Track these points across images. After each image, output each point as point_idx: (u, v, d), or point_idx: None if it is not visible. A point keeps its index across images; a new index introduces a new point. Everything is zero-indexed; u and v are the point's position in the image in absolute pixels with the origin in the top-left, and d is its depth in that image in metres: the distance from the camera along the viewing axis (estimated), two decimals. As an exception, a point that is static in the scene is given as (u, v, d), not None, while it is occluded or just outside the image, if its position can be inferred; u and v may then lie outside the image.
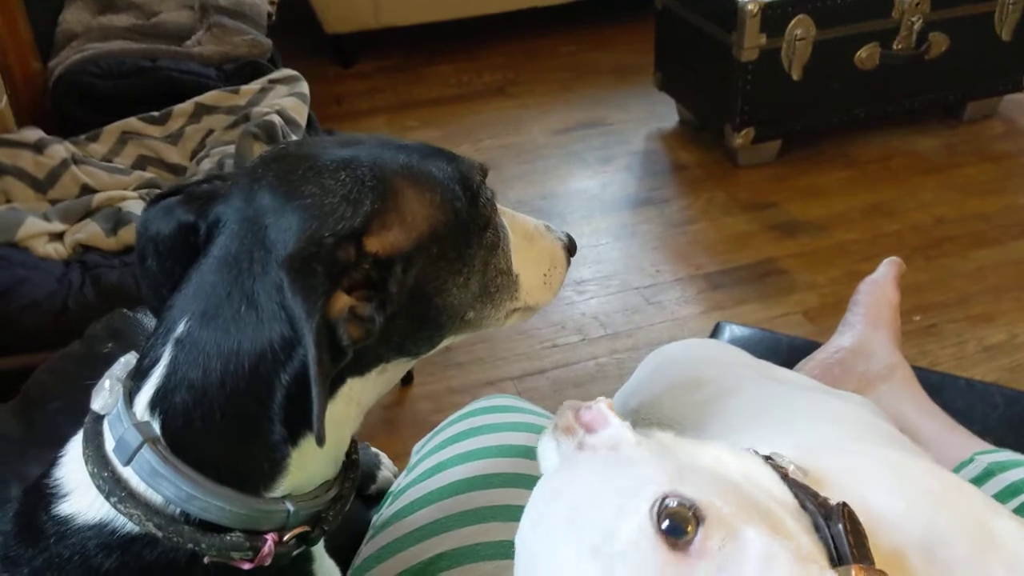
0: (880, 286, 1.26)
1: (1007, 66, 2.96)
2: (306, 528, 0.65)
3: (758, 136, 2.79)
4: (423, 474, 0.94)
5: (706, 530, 0.46)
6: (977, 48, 2.88)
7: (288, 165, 0.65)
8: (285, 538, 0.63)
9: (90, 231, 1.87)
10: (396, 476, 1.04)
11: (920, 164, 2.88)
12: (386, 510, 0.93)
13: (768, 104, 2.76)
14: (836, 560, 0.50)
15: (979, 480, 0.96)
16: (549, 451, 0.62)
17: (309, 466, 0.64)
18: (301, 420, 0.62)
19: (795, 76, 2.72)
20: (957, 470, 1.00)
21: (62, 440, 0.69)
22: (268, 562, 0.62)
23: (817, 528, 0.53)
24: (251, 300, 0.60)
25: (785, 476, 0.57)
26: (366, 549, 0.89)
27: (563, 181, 2.92)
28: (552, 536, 0.52)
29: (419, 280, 0.64)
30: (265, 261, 0.60)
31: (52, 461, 0.67)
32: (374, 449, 1.14)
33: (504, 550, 0.81)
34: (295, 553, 0.65)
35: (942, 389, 1.23)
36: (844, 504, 0.53)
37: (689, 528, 0.46)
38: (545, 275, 0.78)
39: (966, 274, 2.39)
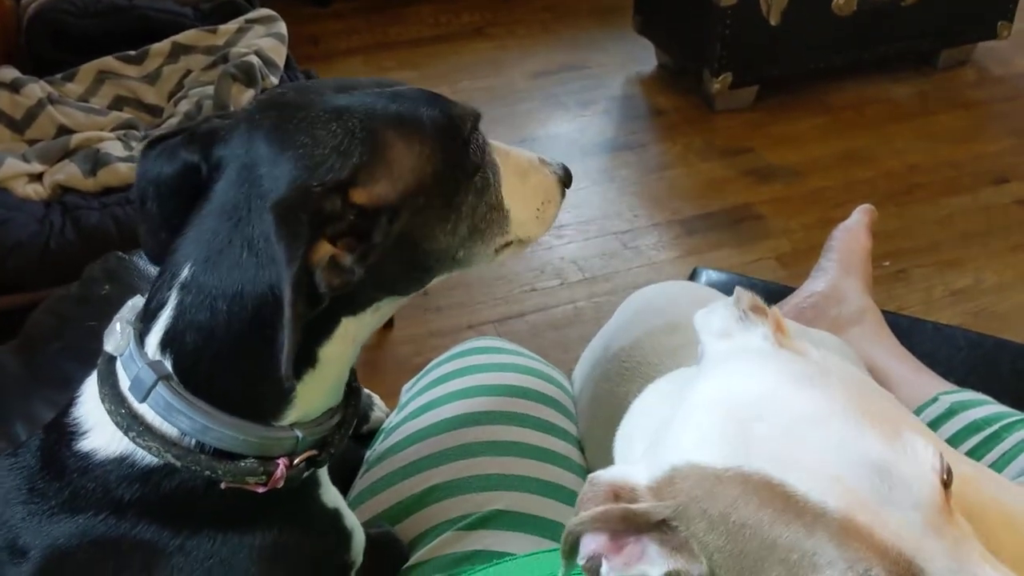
0: (853, 233, 1.29)
1: (981, 14, 2.98)
2: (314, 452, 0.69)
3: (735, 81, 2.81)
4: (414, 412, 0.98)
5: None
6: (953, -5, 2.90)
7: (285, 113, 0.66)
8: (295, 462, 0.67)
9: (69, 172, 1.86)
10: (387, 415, 1.07)
11: (894, 111, 2.91)
12: (379, 446, 0.97)
13: (746, 49, 2.77)
14: None
15: (943, 418, 1.02)
16: (737, 327, 0.58)
17: (314, 397, 0.68)
18: (308, 357, 0.65)
19: (773, 22, 2.73)
20: (922, 408, 1.05)
21: (65, 380, 0.72)
22: (281, 484, 0.66)
23: None
24: (251, 246, 0.62)
25: None
26: (360, 483, 0.93)
27: (542, 125, 2.93)
28: (799, 428, 0.48)
29: (406, 228, 0.66)
30: (261, 209, 0.62)
31: (69, 401, 0.69)
32: (366, 390, 1.17)
33: (494, 482, 0.85)
34: (304, 476, 0.69)
35: (910, 332, 1.27)
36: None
37: (949, 491, 0.48)
38: (538, 209, 0.78)
39: (936, 221, 2.44)
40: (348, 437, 0.73)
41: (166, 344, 0.64)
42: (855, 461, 0.47)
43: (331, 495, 0.75)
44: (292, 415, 0.67)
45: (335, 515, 0.74)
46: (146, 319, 0.66)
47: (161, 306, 0.65)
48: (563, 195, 0.81)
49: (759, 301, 0.60)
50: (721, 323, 0.60)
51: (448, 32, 3.47)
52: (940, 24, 2.96)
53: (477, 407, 0.94)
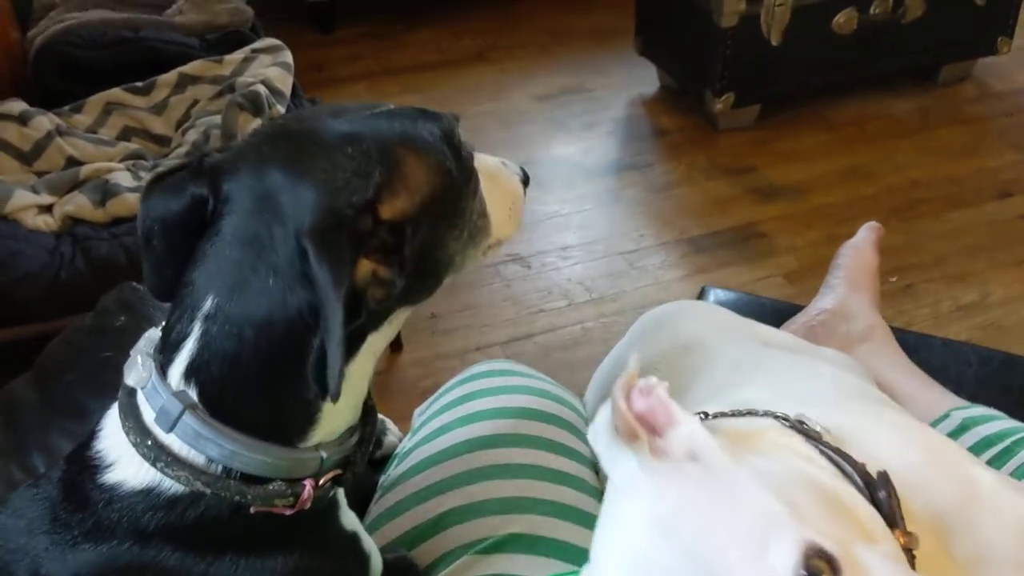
0: (860, 250, 1.30)
1: (981, 30, 3.00)
2: (338, 471, 0.71)
3: (738, 101, 2.82)
4: (427, 437, 0.98)
5: None
6: (952, 12, 2.91)
7: (295, 142, 0.67)
8: (321, 482, 0.68)
9: (78, 203, 1.88)
10: (400, 440, 1.08)
11: (895, 127, 2.92)
12: (393, 471, 0.97)
13: (748, 69, 2.79)
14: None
15: (955, 434, 1.02)
16: (616, 453, 0.57)
17: (336, 416, 0.69)
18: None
19: (774, 41, 2.75)
20: (934, 425, 1.05)
21: (80, 410, 0.73)
22: (308, 505, 0.67)
23: (859, 490, 0.57)
24: (277, 273, 0.63)
25: (820, 441, 0.61)
26: (375, 508, 0.93)
27: (546, 147, 2.94)
28: None
29: (424, 239, 0.69)
30: (285, 236, 0.63)
31: (91, 434, 0.70)
32: (380, 415, 1.18)
33: (507, 505, 0.86)
34: (329, 496, 0.71)
35: (918, 348, 1.28)
36: (885, 473, 0.57)
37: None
38: (510, 209, 0.81)
39: (941, 235, 2.44)
40: (368, 456, 0.75)
41: (191, 374, 0.65)
42: None
43: (349, 518, 0.75)
44: (317, 436, 0.68)
45: (354, 538, 0.75)
46: (167, 351, 0.67)
47: (184, 337, 0.66)
48: (524, 194, 0.85)
49: (631, 419, 0.57)
50: (606, 450, 0.59)
51: (450, 57, 3.50)
52: (940, 40, 2.97)
53: (489, 430, 0.94)
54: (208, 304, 0.65)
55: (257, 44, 2.35)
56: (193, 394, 0.65)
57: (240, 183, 0.66)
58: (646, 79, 3.20)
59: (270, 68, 2.24)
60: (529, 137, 2.97)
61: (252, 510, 0.65)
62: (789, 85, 2.91)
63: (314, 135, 0.68)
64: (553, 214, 2.60)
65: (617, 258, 2.43)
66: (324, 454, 0.69)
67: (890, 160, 2.76)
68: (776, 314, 1.31)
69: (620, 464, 0.57)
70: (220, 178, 0.67)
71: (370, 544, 0.77)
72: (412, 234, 0.67)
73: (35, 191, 1.91)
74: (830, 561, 0.48)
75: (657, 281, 2.34)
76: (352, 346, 0.67)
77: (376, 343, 0.71)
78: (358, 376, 0.70)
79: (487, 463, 0.90)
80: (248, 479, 0.65)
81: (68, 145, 2.05)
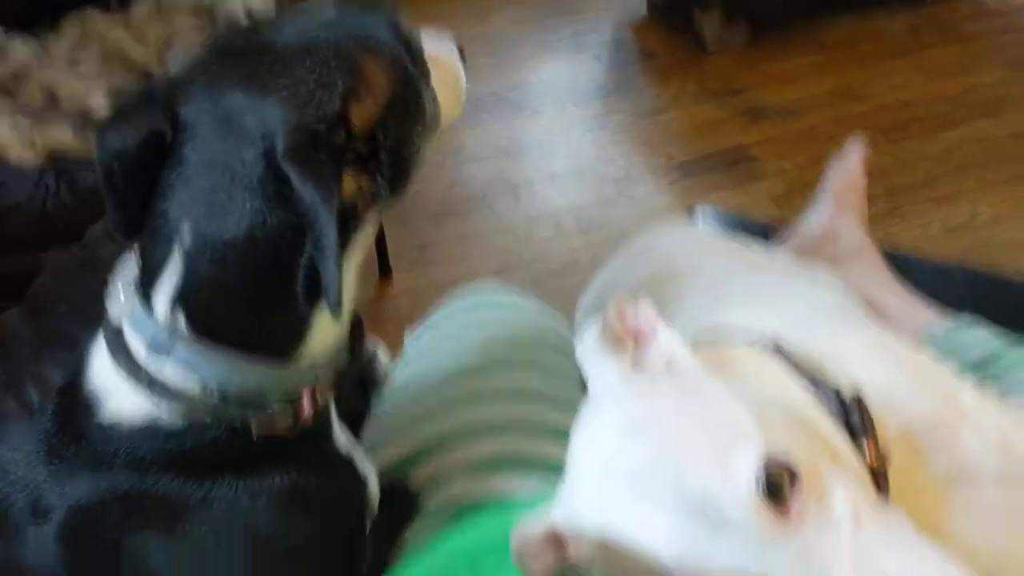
0: (847, 169, 1.30)
1: (975, -56, 2.95)
2: (331, 388, 0.72)
3: (727, 20, 2.78)
4: (419, 361, 0.99)
5: (803, 491, 0.49)
6: (946, -74, 2.86)
7: (250, 59, 0.65)
8: (318, 396, 0.69)
9: (61, 135, 1.85)
10: (392, 366, 1.09)
11: (887, 47, 2.88)
12: (385, 395, 0.98)
13: (737, -13, 2.74)
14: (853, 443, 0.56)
15: (941, 354, 1.03)
16: (599, 364, 0.60)
17: (325, 330, 0.69)
18: (318, 291, 0.66)
19: (764, -41, 2.70)
20: (920, 344, 1.06)
21: (72, 342, 0.73)
22: (309, 422, 0.68)
23: (833, 414, 0.58)
24: (253, 196, 0.62)
25: (796, 364, 0.61)
26: (368, 433, 0.95)
27: (533, 71, 2.90)
28: (635, 482, 0.52)
29: (394, 139, 0.69)
30: (255, 157, 0.62)
31: (80, 366, 0.70)
32: (370, 341, 1.19)
33: (499, 428, 0.87)
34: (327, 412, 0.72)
35: (906, 268, 1.28)
36: (858, 395, 0.58)
37: (786, 488, 0.49)
38: (454, 91, 0.80)
39: (931, 156, 2.43)
40: (358, 370, 0.76)
41: (176, 301, 0.65)
42: (681, 506, 0.50)
43: (344, 439, 0.76)
44: (308, 350, 0.68)
45: (349, 460, 0.76)
46: (147, 282, 0.66)
47: (162, 266, 0.65)
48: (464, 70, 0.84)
49: (619, 328, 0.60)
50: (590, 361, 0.62)
51: (435, -21, 3.42)
52: (933, -44, 2.92)
53: (482, 354, 0.95)
54: (185, 232, 0.64)
55: (236, -31, 2.29)
56: (181, 320, 0.65)
57: (197, 107, 0.64)
58: (633, 1, 3.14)
59: (250, -6, 2.19)
60: (515, 62, 2.93)
61: (254, 432, 0.66)
62: (779, 4, 2.87)
63: (268, 50, 0.65)
64: (541, 141, 2.58)
65: (605, 185, 2.42)
66: (318, 369, 0.69)
67: (882, 80, 2.73)
68: (765, 234, 1.31)
69: (601, 375, 0.60)
70: (175, 104, 0.65)
71: (366, 466, 0.77)
72: (384, 138, 0.67)
73: (15, 124, 1.88)
74: (791, 473, 0.49)
75: (645, 207, 2.34)
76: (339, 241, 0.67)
77: (355, 251, 0.71)
78: (348, 283, 0.70)
79: (479, 387, 0.91)
80: (246, 402, 0.66)
81: (48, 77, 2.01)
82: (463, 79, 0.82)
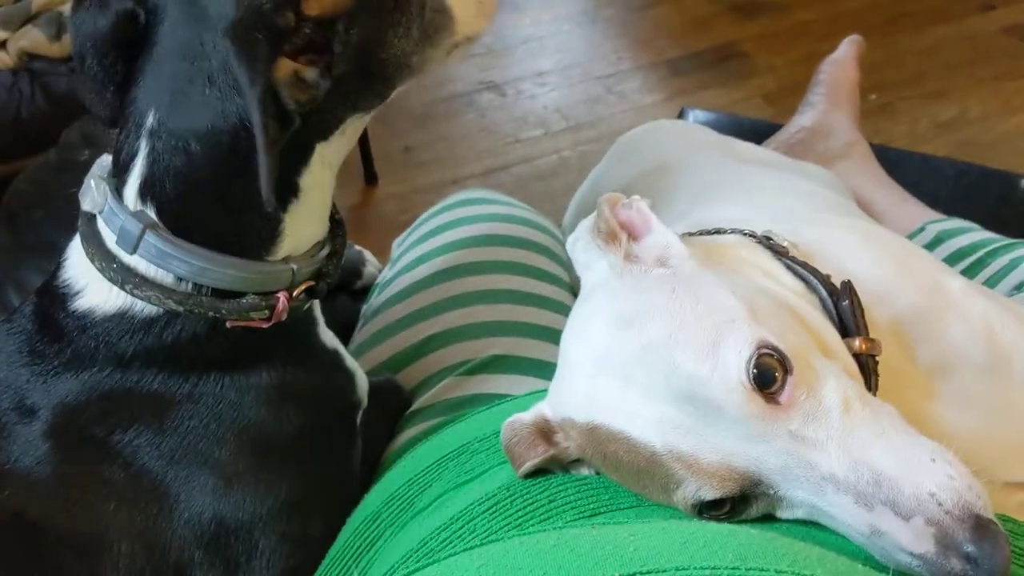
0: (840, 66, 1.27)
1: None
2: (311, 283, 0.70)
3: (718, -88, 2.69)
4: (407, 266, 0.98)
5: (793, 380, 0.49)
6: None
7: None
8: (294, 293, 0.68)
9: (33, 38, 1.80)
10: (380, 271, 1.08)
11: (882, -62, 2.81)
12: (374, 300, 0.98)
13: None
14: (842, 333, 0.56)
15: (929, 246, 1.03)
16: (592, 258, 0.60)
17: (301, 229, 0.68)
18: (289, 187, 0.65)
19: None
20: (910, 238, 1.06)
21: (50, 246, 0.72)
22: (284, 317, 0.67)
23: (823, 304, 0.58)
24: (212, 80, 0.60)
25: (787, 255, 0.61)
26: (359, 336, 0.95)
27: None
28: (625, 371, 0.52)
29: (363, 37, 0.64)
30: (215, 41, 0.60)
31: (56, 265, 0.69)
32: (358, 247, 1.17)
33: (488, 329, 0.87)
34: (305, 307, 0.71)
35: (897, 164, 1.27)
36: (849, 283, 0.58)
37: (777, 376, 0.49)
38: (479, 3, 0.73)
39: (921, 51, 2.40)
40: (340, 267, 0.74)
41: (145, 193, 0.64)
42: (672, 395, 0.50)
43: (328, 336, 0.76)
44: (284, 248, 0.67)
45: (335, 354, 0.76)
46: (119, 172, 0.65)
47: (132, 157, 0.64)
48: None
49: (614, 223, 0.60)
50: (583, 255, 0.61)
51: None
52: None
53: (470, 257, 0.95)
54: (150, 120, 0.63)
55: None
56: (152, 213, 0.64)
57: None
58: None
59: None
60: (501, -43, 2.84)
61: (228, 324, 0.65)
62: None
63: None
64: (528, 38, 2.52)
65: (594, 83, 2.38)
66: (295, 266, 0.68)
67: (874, -27, 2.66)
68: (755, 133, 1.29)
69: (593, 268, 0.59)
70: None
71: (352, 361, 0.78)
72: (345, 31, 0.62)
73: (-14, 26, 1.83)
74: (782, 360, 0.49)
75: (635, 106, 2.30)
76: (301, 157, 0.65)
77: (329, 154, 0.68)
78: (315, 188, 0.68)
79: (468, 289, 0.91)
80: (221, 295, 0.65)
81: (15, -25, 1.94)
82: None
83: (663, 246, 0.58)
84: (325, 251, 0.72)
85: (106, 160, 0.68)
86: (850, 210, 0.88)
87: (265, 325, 0.67)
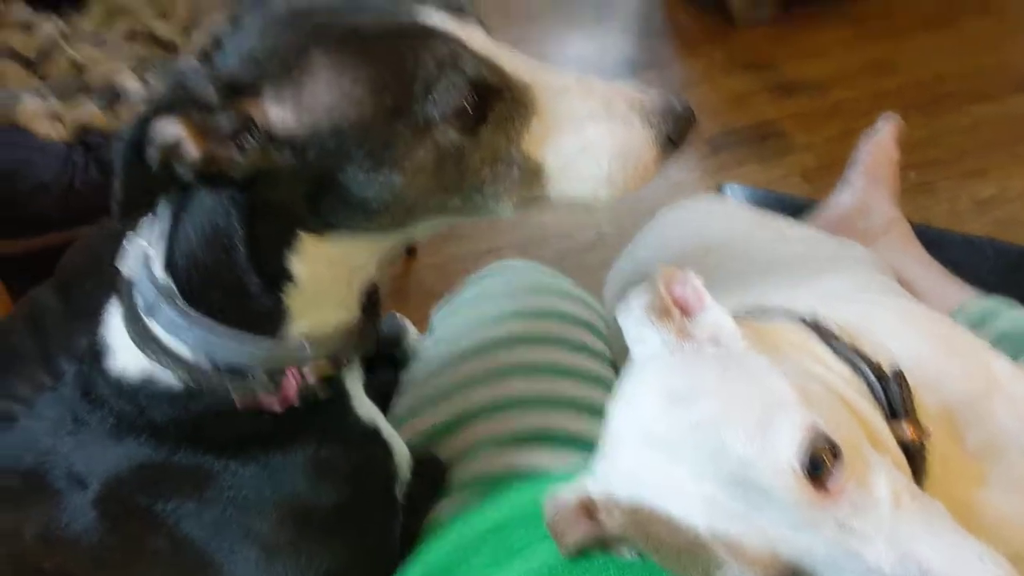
0: (880, 144, 1.28)
1: (1011, -87, 2.88)
2: (327, 365, 0.69)
3: (756, -7, 2.75)
4: (446, 336, 0.99)
5: (843, 469, 0.48)
6: None
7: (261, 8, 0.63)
8: (306, 373, 0.67)
9: (88, 110, 1.86)
10: (419, 340, 1.09)
11: (920, 20, 2.83)
12: (413, 369, 0.99)
13: (767, -40, 2.70)
14: (891, 419, 0.55)
15: (973, 327, 1.01)
16: (644, 332, 0.59)
17: (313, 312, 0.67)
18: (278, 271, 0.64)
19: (795, -71, 2.65)
20: (952, 318, 1.04)
21: (102, 315, 0.73)
22: (295, 399, 0.67)
23: (872, 389, 0.57)
24: None
25: (834, 338, 0.61)
26: (397, 406, 0.95)
27: (558, 45, 2.88)
28: (673, 448, 0.51)
29: (324, 167, 0.59)
30: None
31: (98, 324, 0.71)
32: (399, 316, 1.19)
33: (528, 402, 0.87)
34: (322, 389, 0.69)
35: (937, 243, 1.26)
36: (898, 369, 0.58)
37: (827, 462, 0.48)
38: (604, 167, 0.63)
39: (961, 130, 2.39)
40: (367, 349, 0.73)
41: (167, 263, 0.65)
42: (719, 476, 0.49)
43: (366, 409, 0.76)
44: (297, 329, 0.67)
45: (373, 428, 0.76)
46: (153, 240, 0.67)
47: (160, 225, 0.66)
48: (661, 150, 0.64)
49: (668, 299, 0.59)
50: (634, 329, 0.60)
51: (460, -47, 3.39)
52: (967, -74, 2.86)
53: (509, 329, 0.95)
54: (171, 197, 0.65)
55: (261, -58, 2.28)
56: (172, 282, 0.65)
57: None
58: (661, -28, 3.11)
59: (275, -33, 2.18)
60: (542, 35, 2.91)
61: (237, 403, 0.65)
62: (809, -24, 2.82)
63: (286, 10, 0.61)
64: (567, 115, 2.56)
65: (632, 159, 2.40)
66: (308, 346, 0.67)
67: (914, 53, 2.68)
68: (794, 210, 1.29)
69: (645, 342, 0.59)
70: None
71: (392, 434, 0.77)
72: (294, 154, 0.58)
73: (42, 96, 1.90)
74: (832, 447, 0.48)
75: (673, 182, 2.32)
76: (282, 239, 0.63)
77: (328, 251, 0.64)
78: (319, 278, 0.65)
79: (507, 362, 0.91)
80: (233, 372, 0.65)
81: (75, 51, 2.02)
82: (634, 160, 0.63)
83: (716, 325, 0.58)
84: (351, 333, 0.71)
85: (153, 224, 0.70)
86: (893, 289, 0.88)
87: (276, 406, 0.66)
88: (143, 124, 0.56)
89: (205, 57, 0.62)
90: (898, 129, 1.29)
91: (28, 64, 2.02)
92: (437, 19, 0.61)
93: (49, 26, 2.04)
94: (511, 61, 0.63)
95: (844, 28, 2.81)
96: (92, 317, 0.86)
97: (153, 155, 0.56)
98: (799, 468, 0.48)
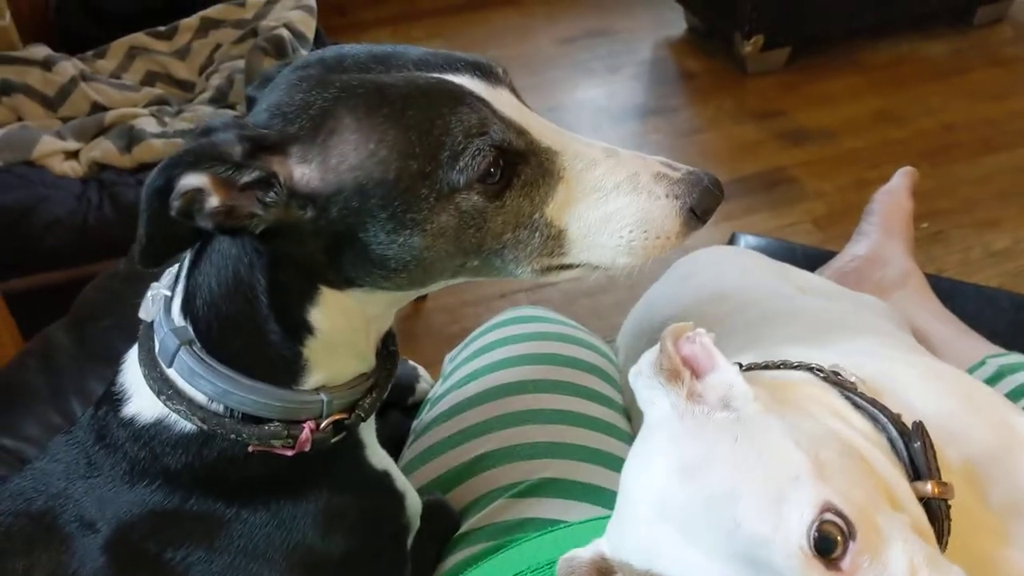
0: (894, 195, 1.28)
1: (1020, -33, 2.92)
2: (342, 415, 0.68)
3: (767, 43, 2.77)
4: (458, 382, 0.98)
5: (857, 545, 0.47)
6: (990, -51, 2.84)
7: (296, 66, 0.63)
8: (322, 425, 0.67)
9: (104, 149, 1.88)
10: (432, 386, 1.08)
11: (929, 70, 2.86)
12: (425, 416, 0.98)
13: (777, 10, 2.72)
14: (913, 475, 0.54)
15: (991, 381, 1.01)
16: (655, 394, 0.58)
17: (331, 363, 0.67)
18: (299, 322, 0.64)
19: (805, -19, 2.68)
20: (970, 372, 1.04)
21: (116, 356, 0.73)
22: (308, 448, 0.66)
23: (893, 445, 0.56)
24: None
25: (855, 392, 0.60)
26: (408, 453, 0.94)
27: (571, 92, 2.90)
28: (687, 524, 0.50)
29: (346, 224, 0.59)
30: None
31: (116, 369, 0.71)
32: (412, 363, 1.18)
33: (541, 450, 0.86)
34: (335, 439, 0.69)
35: (952, 295, 1.26)
36: (920, 424, 0.57)
37: (838, 541, 0.47)
38: (625, 235, 0.63)
39: (973, 180, 2.40)
40: (382, 400, 0.73)
41: (185, 309, 0.65)
42: (732, 554, 0.49)
43: (379, 457, 0.75)
44: (314, 379, 0.67)
45: (385, 477, 0.75)
46: (174, 285, 0.67)
47: (179, 272, 0.66)
48: (687, 226, 0.64)
49: (677, 360, 0.58)
50: (645, 391, 0.60)
51: (475, 0, 3.44)
52: (976, -21, 2.90)
53: (521, 376, 0.94)
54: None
55: (279, -14, 2.31)
56: (191, 329, 0.65)
57: None
58: (673, 21, 3.14)
59: (293, 11, 2.21)
60: (555, 82, 2.93)
61: (251, 449, 0.65)
62: (820, 27, 2.85)
63: (311, 66, 0.62)
64: (578, 160, 2.57)
65: (643, 204, 2.40)
66: (326, 397, 0.67)
67: (923, 103, 2.70)
68: (807, 260, 1.29)
69: (656, 404, 0.58)
70: None
71: (404, 483, 0.77)
72: (316, 212, 0.58)
73: (61, 136, 1.91)
74: (846, 525, 0.47)
75: (684, 227, 2.32)
76: (304, 292, 0.63)
77: (347, 303, 0.64)
78: (338, 330, 0.65)
79: (519, 409, 0.90)
80: (248, 419, 0.65)
81: (92, 90, 2.04)
82: (657, 232, 0.63)
83: (727, 385, 0.57)
84: (367, 384, 0.71)
85: (173, 270, 0.70)
86: (909, 344, 0.87)
87: (289, 453, 0.66)
88: (169, 172, 0.56)
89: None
90: (912, 180, 1.29)
91: (47, 102, 2.05)
92: (467, 81, 0.61)
93: (69, 66, 2.06)
94: (540, 128, 0.64)
95: (853, 77, 2.84)
96: (106, 357, 0.86)
97: (175, 203, 0.57)
98: (809, 548, 0.47)
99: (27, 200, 1.75)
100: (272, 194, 0.58)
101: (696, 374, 0.58)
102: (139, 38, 2.19)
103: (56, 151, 1.88)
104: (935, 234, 2.21)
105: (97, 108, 2.03)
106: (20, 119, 2.01)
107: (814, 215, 2.31)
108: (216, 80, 2.08)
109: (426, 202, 0.59)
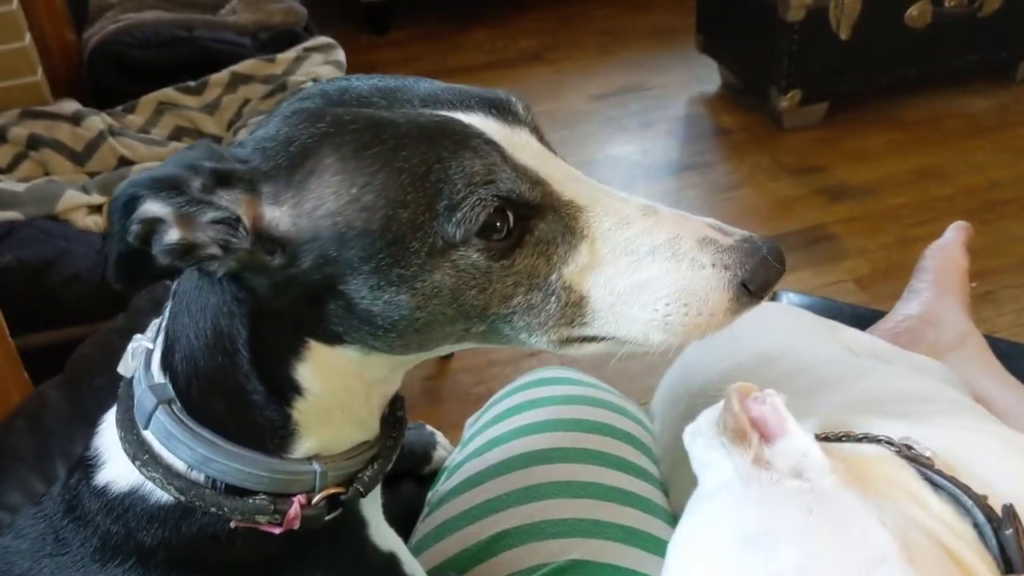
0: (947, 251, 1.21)
1: (1064, 22, 2.85)
2: (339, 489, 0.61)
3: (804, 98, 2.72)
4: (479, 449, 0.91)
5: None
6: (1032, 4, 2.78)
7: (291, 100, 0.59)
8: (314, 500, 0.59)
9: (129, 203, 1.86)
10: (450, 453, 1.01)
11: (971, 126, 2.79)
12: (441, 486, 0.91)
13: (815, 65, 2.68)
14: (1004, 567, 0.47)
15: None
16: (715, 456, 0.52)
17: (325, 428, 0.60)
18: (284, 380, 0.58)
19: (843, 36, 2.63)
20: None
21: (107, 417, 0.67)
22: (296, 526, 0.58)
23: (979, 532, 0.49)
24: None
25: (932, 469, 0.52)
26: (422, 527, 0.87)
27: (603, 147, 2.86)
28: None
29: (324, 274, 0.53)
30: None
31: (92, 432, 0.65)
32: (430, 428, 1.10)
33: (569, 527, 0.78)
34: (330, 516, 0.61)
35: (1010, 356, 1.17)
36: (1011, 507, 0.49)
37: None
38: (660, 310, 0.55)
39: (1021, 237, 2.31)
40: (385, 472, 0.65)
41: (164, 364, 0.59)
42: None
43: (384, 537, 0.68)
44: (306, 446, 0.60)
45: (391, 560, 0.68)
46: (155, 338, 0.61)
47: (160, 324, 0.61)
48: (737, 302, 0.55)
49: (744, 419, 0.51)
50: (703, 453, 0.53)
51: (506, 57, 3.43)
52: (1019, 35, 2.84)
53: (548, 443, 0.87)
54: (174, 286, 0.60)
55: (309, 43, 2.31)
56: (170, 386, 0.58)
57: None
58: (707, 77, 3.11)
59: (322, 67, 2.20)
60: (587, 137, 2.90)
61: (233, 525, 0.57)
62: (858, 82, 2.79)
63: (308, 99, 0.58)
64: (610, 216, 2.52)
65: (678, 262, 2.34)
66: (319, 468, 0.59)
67: (966, 160, 2.63)
68: (855, 320, 1.21)
69: (715, 468, 0.52)
70: None
71: (414, 566, 0.69)
72: (286, 260, 0.53)
73: (86, 191, 1.90)
74: None
75: (720, 285, 2.25)
76: (290, 346, 0.57)
77: (338, 361, 0.58)
78: (330, 391, 0.59)
79: (545, 480, 0.83)
80: (231, 490, 0.57)
81: (120, 145, 2.04)
82: (698, 307, 0.55)
83: (800, 454, 0.49)
84: (369, 453, 0.64)
85: (155, 323, 0.64)
86: (979, 412, 0.79)
87: (276, 531, 0.58)
88: (133, 190, 0.51)
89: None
90: (967, 235, 1.22)
91: (75, 157, 2.04)
92: (478, 121, 0.55)
93: (98, 120, 2.06)
94: (563, 177, 0.57)
95: (893, 132, 2.78)
96: (97, 420, 0.80)
97: (133, 228, 0.52)
98: None
99: (48, 254, 1.73)
100: (234, 236, 0.52)
101: (764, 438, 0.51)
102: (168, 93, 2.18)
103: (80, 205, 1.86)
104: (985, 294, 2.12)
105: (124, 162, 2.02)
106: (47, 173, 2.00)
107: (856, 274, 2.23)
108: (243, 134, 2.06)
109: (416, 257, 0.53)
